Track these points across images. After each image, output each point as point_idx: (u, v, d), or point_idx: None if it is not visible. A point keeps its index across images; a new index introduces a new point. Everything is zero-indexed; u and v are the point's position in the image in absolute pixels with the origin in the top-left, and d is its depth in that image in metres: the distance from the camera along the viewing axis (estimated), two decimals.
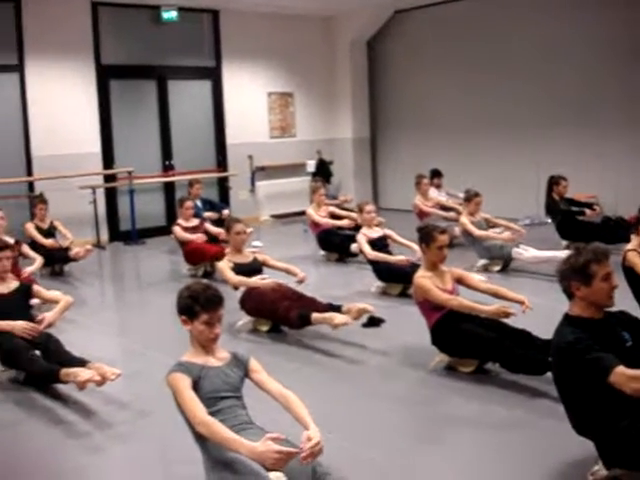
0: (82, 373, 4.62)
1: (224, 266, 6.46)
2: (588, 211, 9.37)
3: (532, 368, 4.72)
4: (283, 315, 6.08)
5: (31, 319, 5.44)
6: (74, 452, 4.20)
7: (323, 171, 13.36)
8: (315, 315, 5.82)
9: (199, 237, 9.00)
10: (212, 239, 9.22)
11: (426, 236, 5.34)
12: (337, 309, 5.97)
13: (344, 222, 9.66)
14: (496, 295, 5.38)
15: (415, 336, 5.70)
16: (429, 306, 5.22)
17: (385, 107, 14.71)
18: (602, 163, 11.09)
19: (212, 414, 3.21)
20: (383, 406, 4.72)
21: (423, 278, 5.24)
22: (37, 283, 6.58)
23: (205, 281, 3.53)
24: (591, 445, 3.48)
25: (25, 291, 5.61)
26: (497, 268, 8.39)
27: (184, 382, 3.22)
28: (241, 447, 3.01)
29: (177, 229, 9.13)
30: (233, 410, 3.34)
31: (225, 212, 10.77)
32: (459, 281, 5.46)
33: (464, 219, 8.59)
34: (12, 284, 5.58)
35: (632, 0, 10.49)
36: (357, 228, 9.67)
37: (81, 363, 4.87)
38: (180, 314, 3.42)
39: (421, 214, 10.27)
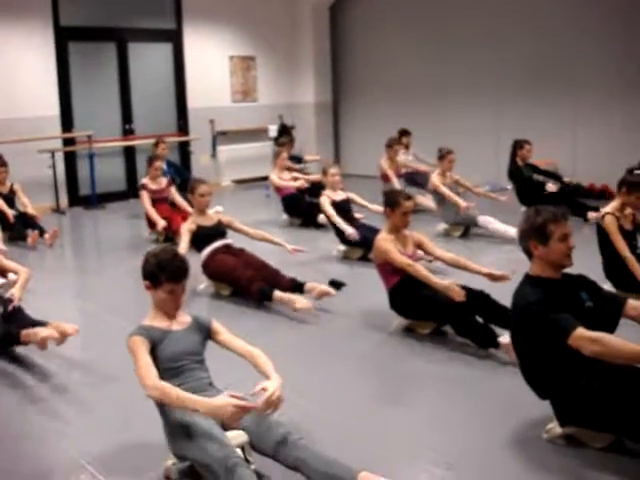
0: (41, 332, 4.62)
1: (188, 228, 6.43)
2: (550, 187, 9.13)
3: (478, 339, 4.78)
4: (245, 286, 6.08)
5: None
6: (35, 417, 4.19)
7: (285, 136, 13.28)
8: (277, 294, 5.88)
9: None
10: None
11: (391, 201, 5.39)
12: (300, 287, 6.01)
13: (299, 183, 9.60)
14: (457, 266, 5.43)
15: (375, 299, 5.74)
16: (388, 269, 5.27)
17: (348, 72, 14.65)
18: (558, 130, 11.24)
19: (172, 377, 3.24)
20: (346, 367, 4.78)
21: (385, 240, 5.28)
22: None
23: (172, 248, 3.51)
24: (547, 404, 3.56)
25: None
26: (458, 234, 8.46)
27: (142, 347, 3.23)
28: (197, 403, 3.03)
29: (144, 195, 8.84)
30: (194, 373, 3.36)
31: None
32: (419, 246, 5.52)
33: (435, 178, 8.57)
34: None
35: None
36: (314, 190, 9.62)
37: (41, 324, 4.87)
38: (144, 279, 3.41)
39: (385, 177, 10.15)
